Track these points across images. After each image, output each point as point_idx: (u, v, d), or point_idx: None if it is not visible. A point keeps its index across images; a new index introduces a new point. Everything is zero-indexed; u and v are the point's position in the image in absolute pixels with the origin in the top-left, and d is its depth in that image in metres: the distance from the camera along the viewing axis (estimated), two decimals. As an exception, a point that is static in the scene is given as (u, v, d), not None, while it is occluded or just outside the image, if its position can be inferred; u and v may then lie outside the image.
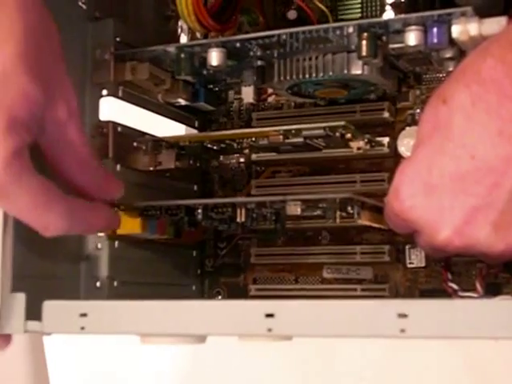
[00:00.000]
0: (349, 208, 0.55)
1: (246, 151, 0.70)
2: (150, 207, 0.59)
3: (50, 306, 0.48)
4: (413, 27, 0.53)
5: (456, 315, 0.41)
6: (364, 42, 0.55)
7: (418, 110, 0.64)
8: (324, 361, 0.83)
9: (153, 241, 0.63)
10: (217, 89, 0.69)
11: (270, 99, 0.69)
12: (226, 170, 0.71)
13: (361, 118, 0.64)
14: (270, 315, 0.44)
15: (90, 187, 0.51)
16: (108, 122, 0.60)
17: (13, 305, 0.49)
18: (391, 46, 0.55)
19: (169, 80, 0.63)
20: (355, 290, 0.65)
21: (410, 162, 0.48)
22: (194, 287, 0.70)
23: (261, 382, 0.86)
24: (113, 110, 0.62)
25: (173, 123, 0.69)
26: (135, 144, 0.63)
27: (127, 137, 0.62)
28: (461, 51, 0.54)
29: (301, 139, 0.60)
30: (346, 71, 0.58)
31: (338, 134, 0.58)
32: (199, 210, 0.59)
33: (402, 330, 0.41)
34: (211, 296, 0.70)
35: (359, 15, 0.64)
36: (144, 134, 0.64)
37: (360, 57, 0.55)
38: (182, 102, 0.66)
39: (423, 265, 0.63)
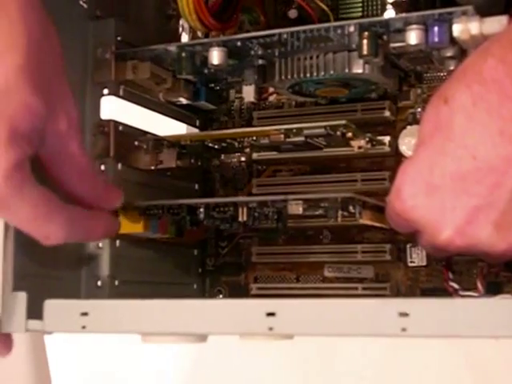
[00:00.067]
0: (350, 207, 0.55)
1: (247, 150, 0.70)
2: (152, 206, 0.59)
3: (51, 305, 0.48)
4: (414, 26, 0.53)
5: (457, 314, 0.41)
6: (365, 41, 0.55)
7: (419, 109, 0.64)
8: (325, 360, 0.83)
9: (154, 240, 0.63)
10: (218, 88, 0.69)
11: (271, 98, 0.69)
12: (227, 169, 0.71)
13: (362, 116, 0.64)
14: (271, 314, 0.44)
15: (89, 197, 0.51)
16: (109, 121, 0.60)
17: (14, 304, 0.49)
18: (392, 44, 0.55)
19: (170, 79, 0.63)
20: (356, 288, 0.65)
21: (411, 161, 0.49)
22: (195, 286, 0.70)
23: (262, 380, 0.86)
24: (114, 109, 0.62)
25: (174, 122, 0.69)
26: (136, 143, 0.63)
27: (128, 136, 0.62)
28: (462, 50, 0.54)
29: (302, 138, 0.60)
30: (346, 70, 0.58)
31: (338, 133, 0.58)
32: (201, 210, 0.59)
33: (403, 329, 0.41)
34: (212, 295, 0.70)
35: (360, 14, 0.64)
36: (145, 133, 0.64)
37: (361, 56, 0.55)
38: (183, 100, 0.66)
39: (424, 264, 0.63)
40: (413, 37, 0.53)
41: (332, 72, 0.59)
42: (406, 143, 0.63)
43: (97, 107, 0.60)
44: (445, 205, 0.46)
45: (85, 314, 0.47)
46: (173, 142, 0.63)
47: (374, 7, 0.63)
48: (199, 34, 0.65)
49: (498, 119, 0.44)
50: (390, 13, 0.61)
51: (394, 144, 0.64)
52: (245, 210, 0.58)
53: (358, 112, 0.64)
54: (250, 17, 0.66)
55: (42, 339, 0.85)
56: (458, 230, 0.47)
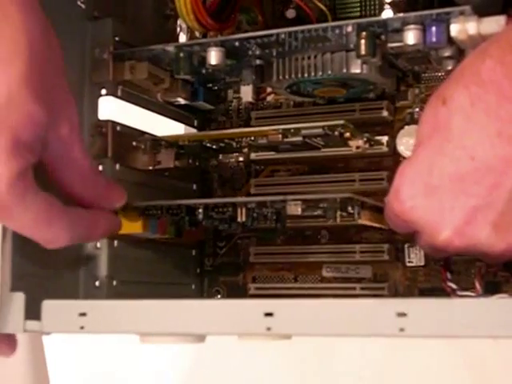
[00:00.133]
0: (349, 208, 0.55)
1: (245, 150, 0.70)
2: (151, 207, 0.59)
3: (49, 306, 0.48)
4: (411, 26, 0.53)
5: (455, 314, 0.41)
6: (363, 41, 0.55)
7: (417, 109, 0.64)
8: (323, 360, 0.83)
9: (152, 240, 0.63)
10: (216, 88, 0.69)
11: (269, 98, 0.69)
12: (225, 169, 0.71)
13: (360, 116, 0.64)
14: (269, 314, 0.44)
15: (92, 198, 0.51)
16: (107, 122, 0.60)
17: (12, 304, 0.49)
18: (390, 44, 0.55)
19: (168, 79, 0.63)
20: (354, 288, 0.65)
21: (410, 162, 0.49)
22: (193, 286, 0.70)
23: (260, 380, 0.86)
24: (112, 109, 0.62)
25: (172, 122, 0.69)
26: (134, 143, 0.63)
27: (126, 136, 0.62)
28: (459, 50, 0.54)
29: (300, 138, 0.60)
30: (344, 70, 0.58)
31: (336, 133, 0.58)
32: (200, 210, 0.59)
33: (401, 329, 0.41)
34: (210, 295, 0.71)
35: (358, 14, 0.64)
36: (143, 133, 0.64)
37: (359, 56, 0.55)
38: (181, 101, 0.66)
39: (422, 264, 0.63)
40: (411, 37, 0.53)
41: (330, 72, 0.59)
42: (404, 143, 0.63)
43: (95, 107, 0.60)
44: (443, 205, 0.47)
45: (83, 314, 0.47)
46: (171, 142, 0.63)
47: (372, 7, 0.63)
48: (197, 34, 0.65)
49: (496, 120, 0.44)
50: (387, 13, 0.61)
51: (392, 144, 0.64)
52: (244, 210, 0.58)
53: (356, 112, 0.64)
54: (248, 17, 0.66)
55: (40, 340, 0.85)
56: (456, 231, 0.47)
